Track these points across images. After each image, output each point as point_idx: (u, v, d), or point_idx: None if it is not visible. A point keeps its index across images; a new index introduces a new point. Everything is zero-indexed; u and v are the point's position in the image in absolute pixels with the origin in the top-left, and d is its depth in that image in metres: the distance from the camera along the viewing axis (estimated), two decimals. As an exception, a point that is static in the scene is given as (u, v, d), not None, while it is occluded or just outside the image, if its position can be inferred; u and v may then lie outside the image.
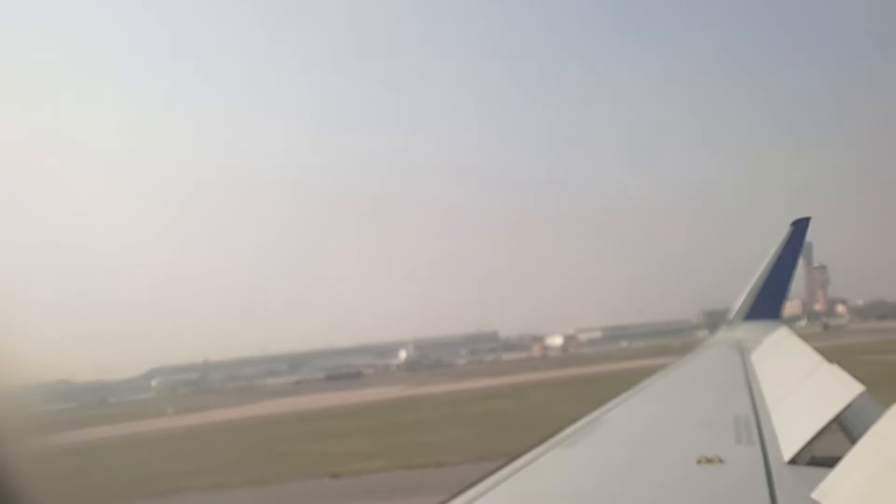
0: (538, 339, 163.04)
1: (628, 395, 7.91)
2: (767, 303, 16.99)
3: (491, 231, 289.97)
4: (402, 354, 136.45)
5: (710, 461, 4.00)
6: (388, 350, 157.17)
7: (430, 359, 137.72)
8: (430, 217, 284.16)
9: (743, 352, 12.02)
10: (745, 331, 16.22)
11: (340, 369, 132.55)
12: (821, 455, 3.95)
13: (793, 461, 3.92)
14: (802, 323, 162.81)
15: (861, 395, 4.19)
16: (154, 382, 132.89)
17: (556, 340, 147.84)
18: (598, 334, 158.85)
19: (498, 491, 3.96)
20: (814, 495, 3.06)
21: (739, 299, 17.53)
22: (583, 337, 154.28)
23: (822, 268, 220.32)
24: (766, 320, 16.29)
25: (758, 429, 5.02)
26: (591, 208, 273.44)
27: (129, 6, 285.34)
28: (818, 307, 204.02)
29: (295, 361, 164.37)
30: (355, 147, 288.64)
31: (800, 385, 5.60)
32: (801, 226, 17.10)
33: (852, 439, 3.88)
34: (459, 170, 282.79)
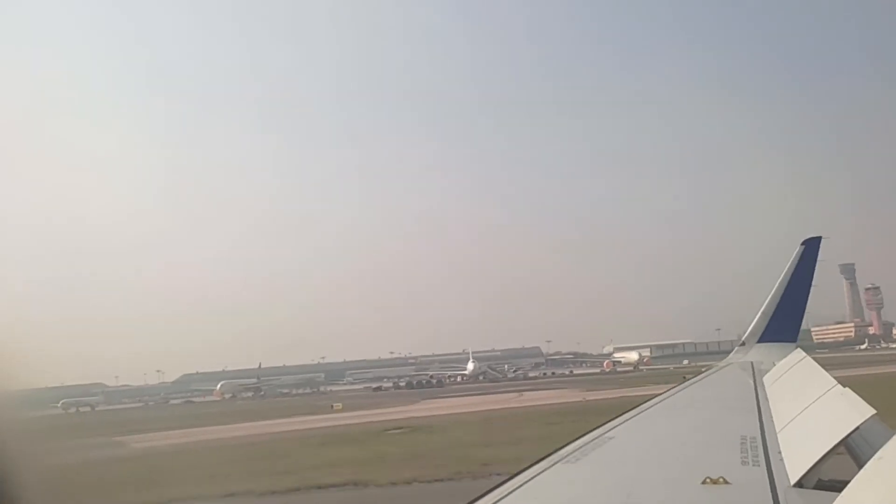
0: (585, 356, 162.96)
1: (635, 413, 7.82)
2: (783, 324, 16.75)
3: (530, 251, 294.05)
4: (470, 366, 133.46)
5: (714, 482, 3.93)
6: (428, 363, 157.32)
7: (498, 370, 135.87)
8: (464, 234, 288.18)
9: (755, 373, 11.87)
10: (759, 352, 16.03)
11: (416, 378, 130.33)
12: (828, 478, 3.87)
13: (799, 484, 3.85)
14: (863, 346, 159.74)
15: (871, 419, 4.12)
16: (219, 386, 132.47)
17: (631, 356, 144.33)
18: (646, 352, 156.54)
19: None
20: None
21: (753, 320, 17.33)
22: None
23: (875, 289, 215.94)
24: (781, 342, 16.08)
25: (765, 450, 4.93)
26: (636, 230, 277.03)
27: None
28: (872, 330, 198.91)
29: (332, 372, 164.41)
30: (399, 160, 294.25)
31: (809, 407, 5.51)
32: (812, 245, 16.87)
33: (860, 463, 3.80)
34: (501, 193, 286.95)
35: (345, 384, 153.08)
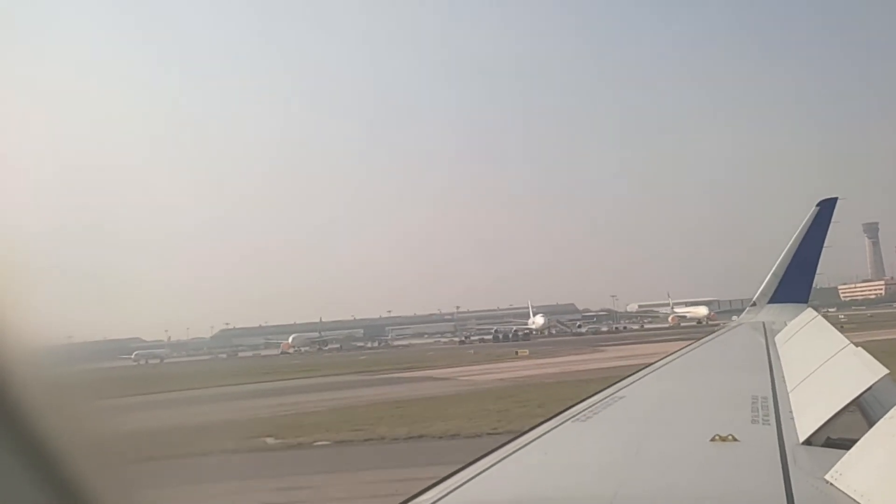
0: (615, 313, 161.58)
1: (646, 372, 7.86)
2: (794, 285, 16.68)
3: (547, 214, 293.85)
4: (540, 320, 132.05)
5: (723, 439, 3.95)
6: (464, 319, 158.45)
7: (566, 325, 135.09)
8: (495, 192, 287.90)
9: (767, 333, 11.87)
10: (770, 313, 16.00)
11: (500, 332, 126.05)
12: (837, 437, 3.89)
13: (808, 442, 3.86)
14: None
15: (884, 379, 4.11)
16: (291, 339, 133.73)
17: (699, 311, 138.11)
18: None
19: (508, 462, 3.96)
20: (827, 476, 3.02)
21: (764, 281, 17.27)
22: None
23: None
24: (793, 303, 16.03)
25: (774, 409, 4.94)
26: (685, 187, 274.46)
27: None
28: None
29: (371, 328, 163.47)
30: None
31: (822, 366, 5.50)
32: (827, 206, 16.68)
33: (871, 422, 3.81)
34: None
35: (391, 339, 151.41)
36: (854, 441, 3.27)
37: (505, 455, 4.09)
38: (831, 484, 2.96)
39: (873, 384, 4.01)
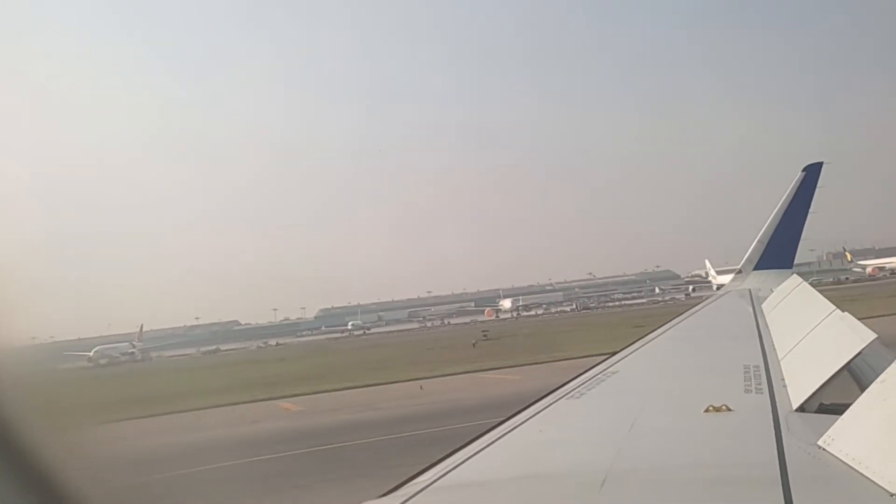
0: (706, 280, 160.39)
1: (636, 346, 7.90)
2: (779, 251, 16.82)
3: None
4: (727, 279, 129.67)
5: (717, 410, 3.98)
6: (566, 289, 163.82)
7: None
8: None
9: (754, 301, 11.97)
10: (756, 280, 16.15)
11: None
12: (829, 403, 3.92)
13: (801, 409, 3.89)
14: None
15: (873, 343, 4.13)
16: (510, 303, 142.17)
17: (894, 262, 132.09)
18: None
19: (504, 441, 3.97)
20: (820, 442, 3.04)
21: (750, 248, 17.39)
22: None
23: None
24: (778, 269, 16.18)
25: (766, 377, 4.98)
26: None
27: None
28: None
29: (480, 301, 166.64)
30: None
31: (811, 333, 5.54)
32: (812, 171, 16.75)
33: (862, 387, 3.84)
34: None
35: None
36: (846, 406, 3.29)
37: (500, 434, 4.10)
38: (824, 449, 2.98)
39: (862, 349, 4.04)
